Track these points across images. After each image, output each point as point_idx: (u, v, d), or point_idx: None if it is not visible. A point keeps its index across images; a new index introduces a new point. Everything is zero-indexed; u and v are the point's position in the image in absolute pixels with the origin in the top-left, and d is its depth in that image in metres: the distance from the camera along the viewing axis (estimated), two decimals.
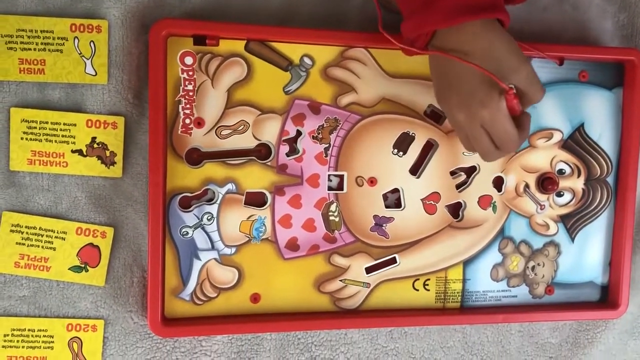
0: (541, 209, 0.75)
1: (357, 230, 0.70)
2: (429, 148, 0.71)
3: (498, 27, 0.56)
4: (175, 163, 0.65)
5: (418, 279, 0.72)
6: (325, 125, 0.69)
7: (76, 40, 0.64)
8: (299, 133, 0.68)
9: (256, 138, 0.67)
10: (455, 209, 0.73)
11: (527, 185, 0.74)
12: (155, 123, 0.63)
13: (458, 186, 0.72)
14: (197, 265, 0.67)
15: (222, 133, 0.66)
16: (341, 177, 0.70)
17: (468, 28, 0.54)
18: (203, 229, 0.67)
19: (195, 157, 0.66)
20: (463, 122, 0.57)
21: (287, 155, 0.68)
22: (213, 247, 0.67)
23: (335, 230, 0.70)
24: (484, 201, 0.73)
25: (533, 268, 0.75)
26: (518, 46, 0.56)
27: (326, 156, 0.69)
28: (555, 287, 0.76)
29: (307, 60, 0.67)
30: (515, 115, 0.57)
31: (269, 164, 0.68)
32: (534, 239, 0.75)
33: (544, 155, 0.74)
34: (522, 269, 0.75)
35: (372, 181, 0.70)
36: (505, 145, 0.57)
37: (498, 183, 0.74)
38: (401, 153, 0.70)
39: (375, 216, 0.71)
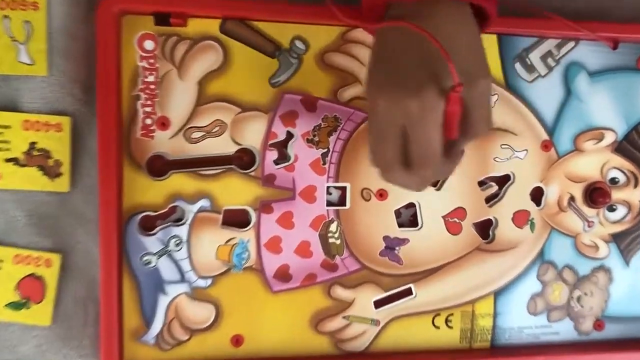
0: (589, 226, 0.61)
1: (363, 255, 0.57)
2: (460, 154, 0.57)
3: (472, 21, 0.44)
4: (134, 174, 0.52)
5: (439, 314, 0.59)
6: (322, 126, 0.55)
7: (6, 21, 0.51)
8: (289, 135, 0.55)
9: (236, 142, 0.54)
10: (485, 228, 0.59)
11: (572, 198, 0.61)
12: (105, 124, 0.50)
13: (488, 199, 0.59)
14: (163, 301, 0.54)
15: (192, 136, 0.53)
16: (343, 189, 0.56)
17: (433, 4, 0.42)
18: (170, 256, 0.54)
19: (159, 167, 0.53)
20: (381, 111, 0.42)
21: (276, 163, 0.55)
22: (183, 279, 0.54)
23: (337, 256, 0.57)
24: (520, 218, 0.60)
25: (579, 299, 0.62)
26: (486, 56, 0.43)
27: (324, 164, 0.55)
28: (606, 322, 0.63)
29: (299, 44, 0.54)
30: (449, 136, 0.42)
31: (252, 174, 0.54)
32: (580, 263, 0.62)
33: (593, 161, 0.61)
34: (566, 300, 0.62)
35: (382, 194, 0.57)
36: (419, 162, 0.42)
37: (537, 196, 0.60)
38: None
39: (385, 237, 0.57)
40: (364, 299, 0.58)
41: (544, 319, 0.62)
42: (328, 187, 0.56)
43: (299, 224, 0.56)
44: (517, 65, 0.59)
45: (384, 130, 0.42)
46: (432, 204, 0.58)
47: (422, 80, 0.40)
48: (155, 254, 0.53)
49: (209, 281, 0.55)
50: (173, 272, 0.54)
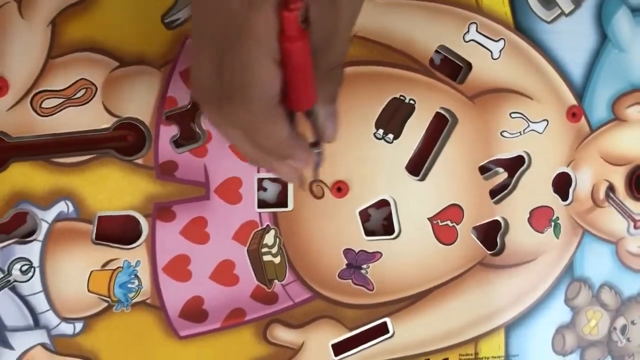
0: (636, 227, 0.44)
1: (314, 279, 0.39)
2: (441, 126, 0.40)
3: None
4: None
5: None
6: None
7: None
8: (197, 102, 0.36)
9: (112, 113, 0.36)
10: (490, 234, 0.42)
11: (611, 188, 0.43)
12: None
13: (494, 193, 0.41)
14: (7, 358, 0.35)
15: (44, 105, 0.35)
16: (284, 182, 0.38)
17: None
18: (14, 290, 0.35)
19: None
20: (202, 54, 0.27)
21: (177, 144, 0.36)
22: (37, 324, 0.35)
23: (275, 281, 0.38)
24: (540, 218, 0.42)
25: (624, 329, 0.44)
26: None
27: None
28: None
29: None
30: (300, 63, 0.26)
31: (139, 161, 0.36)
32: (624, 279, 0.45)
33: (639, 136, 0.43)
34: (606, 332, 0.44)
35: (340, 188, 0.39)
36: (238, 97, 0.27)
37: (562, 185, 0.43)
38: (391, 136, 0.39)
39: (347, 251, 0.39)
40: (318, 342, 0.40)
41: None
42: (260, 180, 0.38)
43: (216, 235, 0.37)
44: None
45: (201, 33, 0.27)
46: (414, 201, 0.40)
47: None
48: None
49: (79, 326, 0.36)
50: (20, 313, 0.35)
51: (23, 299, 0.35)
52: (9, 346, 0.35)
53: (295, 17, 0.24)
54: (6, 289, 0.35)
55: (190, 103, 0.36)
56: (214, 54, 0.26)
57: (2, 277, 0.35)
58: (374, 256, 0.40)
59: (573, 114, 0.42)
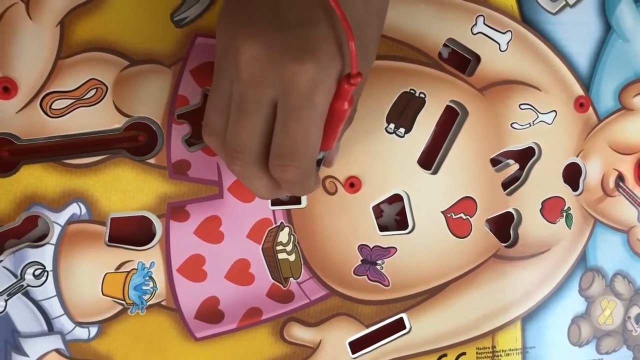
0: None
1: (330, 276, 0.38)
2: (451, 119, 0.40)
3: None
4: None
5: (445, 355, 0.41)
6: None
7: None
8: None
9: (123, 113, 0.35)
10: (503, 226, 0.42)
11: (620, 177, 0.43)
12: None
13: (506, 185, 0.41)
14: None
15: (54, 106, 0.34)
16: None
17: None
18: (27, 295, 0.34)
19: (5, 156, 0.34)
20: (246, 66, 0.27)
21: (189, 143, 0.36)
22: (52, 329, 0.35)
23: (291, 279, 0.38)
24: (552, 208, 0.42)
25: (638, 318, 0.44)
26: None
27: None
28: None
29: None
30: (327, 143, 0.30)
31: (152, 161, 0.35)
32: (636, 268, 0.45)
33: None
34: (621, 322, 0.44)
35: (353, 184, 0.38)
36: (284, 159, 0.28)
37: (572, 175, 0.42)
38: (402, 130, 0.39)
39: (362, 247, 0.39)
40: (335, 340, 0.39)
41: (592, 351, 0.44)
42: None
43: (230, 234, 0.37)
44: None
45: (245, 97, 0.27)
46: (427, 195, 0.40)
47: (318, 40, 0.26)
48: (2, 292, 0.34)
49: (94, 330, 0.35)
50: (34, 318, 0.35)
51: (37, 303, 0.35)
52: (23, 353, 0.34)
53: (352, 89, 0.27)
54: (19, 294, 0.34)
55: (201, 101, 0.36)
56: (264, 112, 0.28)
57: (15, 282, 0.34)
58: (388, 251, 0.40)
59: (581, 104, 0.42)
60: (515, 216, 0.42)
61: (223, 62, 0.28)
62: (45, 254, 0.35)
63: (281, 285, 0.38)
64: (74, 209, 0.35)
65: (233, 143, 0.29)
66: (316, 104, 0.27)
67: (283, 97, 0.27)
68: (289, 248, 0.38)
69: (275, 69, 0.26)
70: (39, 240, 0.35)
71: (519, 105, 0.41)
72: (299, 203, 0.38)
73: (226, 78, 0.28)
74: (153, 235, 0.36)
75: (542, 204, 0.42)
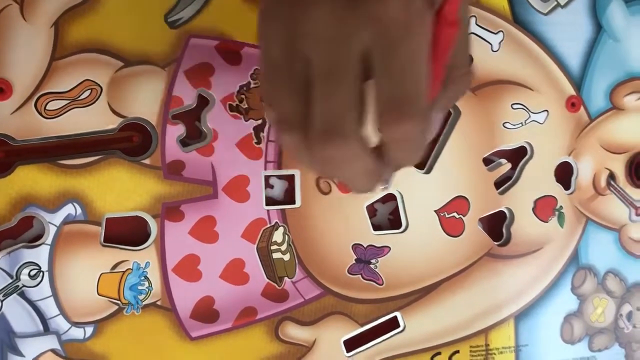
0: (637, 214, 0.44)
1: (325, 275, 0.39)
2: (444, 118, 0.40)
3: None
4: None
5: (439, 353, 0.41)
6: (253, 85, 0.37)
7: None
8: (203, 100, 0.36)
9: (117, 114, 0.35)
10: (496, 225, 0.42)
11: (611, 175, 0.44)
12: None
13: (498, 184, 0.41)
14: None
15: (48, 107, 0.34)
16: (290, 179, 0.39)
17: None
18: (23, 295, 0.34)
19: (0, 157, 0.34)
20: (322, 16, 0.23)
21: (183, 143, 0.36)
22: (47, 329, 0.35)
23: (285, 278, 0.38)
24: (544, 207, 0.42)
25: (630, 316, 0.44)
26: None
27: (259, 142, 0.37)
28: None
29: None
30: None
31: (146, 162, 0.36)
32: (628, 265, 0.45)
33: (637, 123, 0.44)
34: (613, 319, 0.44)
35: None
36: (398, 113, 0.23)
37: (564, 174, 0.43)
38: None
39: (356, 247, 0.39)
40: (330, 338, 0.39)
41: (585, 348, 0.44)
42: (267, 177, 0.38)
43: (225, 234, 0.37)
44: None
45: (334, 59, 0.23)
46: (420, 194, 0.40)
47: None
48: None
49: (90, 330, 0.36)
50: (29, 319, 0.35)
51: (32, 304, 0.35)
52: (18, 353, 0.35)
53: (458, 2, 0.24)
54: (15, 294, 0.34)
55: (195, 102, 0.36)
56: (355, 69, 0.23)
57: (11, 283, 0.34)
58: (382, 250, 0.40)
59: (572, 104, 0.43)
60: (507, 215, 0.42)
61: (283, 39, 0.24)
62: (40, 255, 0.35)
63: (276, 285, 0.38)
64: (69, 209, 0.35)
65: (327, 122, 0.24)
66: (416, 31, 0.23)
67: (376, 38, 0.23)
68: (283, 247, 0.38)
69: (358, 11, 0.23)
70: (35, 240, 0.35)
71: (511, 105, 0.41)
72: (293, 203, 0.38)
73: (293, 53, 0.24)
74: (148, 236, 0.36)
75: (534, 202, 0.42)
